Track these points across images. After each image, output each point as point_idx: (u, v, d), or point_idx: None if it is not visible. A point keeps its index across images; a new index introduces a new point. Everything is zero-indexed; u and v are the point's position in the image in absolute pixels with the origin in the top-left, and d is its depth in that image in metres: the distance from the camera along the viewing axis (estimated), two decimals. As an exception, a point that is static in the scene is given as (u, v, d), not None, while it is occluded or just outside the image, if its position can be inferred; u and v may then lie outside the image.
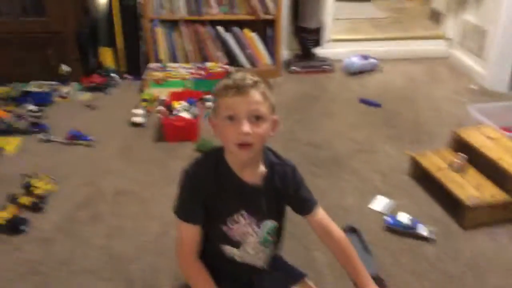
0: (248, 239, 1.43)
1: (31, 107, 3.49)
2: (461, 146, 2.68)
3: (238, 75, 1.30)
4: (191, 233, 1.40)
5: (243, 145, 1.27)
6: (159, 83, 3.99)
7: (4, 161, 2.93)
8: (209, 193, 1.37)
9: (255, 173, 1.40)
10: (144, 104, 3.60)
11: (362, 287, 1.42)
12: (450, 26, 4.64)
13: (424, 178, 2.65)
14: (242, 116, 1.25)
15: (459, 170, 2.52)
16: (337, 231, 1.48)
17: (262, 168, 1.41)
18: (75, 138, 3.11)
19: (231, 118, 1.27)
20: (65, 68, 4.03)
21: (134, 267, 2.10)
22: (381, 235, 2.28)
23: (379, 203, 2.51)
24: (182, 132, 3.12)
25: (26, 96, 3.63)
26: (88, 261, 2.13)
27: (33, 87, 3.85)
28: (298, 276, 1.58)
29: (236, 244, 1.43)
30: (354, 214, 2.44)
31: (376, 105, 3.70)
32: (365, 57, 4.38)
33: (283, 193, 1.44)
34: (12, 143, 3.10)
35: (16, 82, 3.89)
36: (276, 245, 1.54)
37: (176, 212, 1.44)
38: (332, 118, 3.55)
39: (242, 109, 1.25)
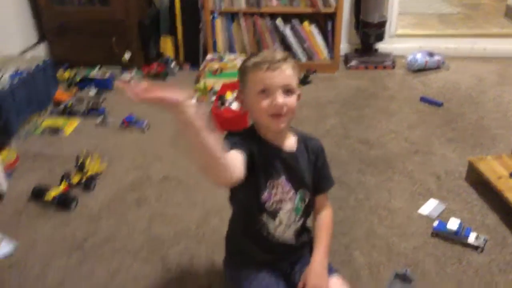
0: (285, 207, 1.47)
1: (92, 92, 3.66)
2: (527, 153, 2.46)
3: (266, 53, 1.38)
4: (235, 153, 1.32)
5: (276, 115, 1.36)
6: (215, 73, 4.03)
7: (61, 141, 3.08)
8: (252, 152, 1.37)
9: (288, 143, 1.49)
10: (197, 94, 3.64)
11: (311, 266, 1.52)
12: (528, 24, 4.30)
13: (482, 185, 2.46)
14: (276, 89, 1.34)
15: (522, 178, 2.31)
16: (328, 212, 1.63)
17: (293, 139, 1.51)
18: (130, 123, 3.21)
19: (264, 91, 1.35)
20: (127, 55, 4.18)
21: (172, 251, 2.13)
22: (427, 240, 2.15)
23: (429, 207, 2.36)
24: (231, 123, 3.12)
25: (88, 81, 3.80)
26: (129, 241, 2.18)
27: (96, 72, 4.03)
28: (329, 271, 1.55)
29: (273, 214, 1.47)
30: (401, 217, 2.32)
31: (437, 103, 3.50)
32: (430, 54, 4.15)
33: (314, 164, 1.52)
34: (70, 125, 3.25)
35: (81, 67, 4.09)
36: (305, 220, 1.58)
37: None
38: (389, 116, 3.40)
39: (276, 82, 1.34)
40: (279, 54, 1.37)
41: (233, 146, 1.33)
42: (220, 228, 1.93)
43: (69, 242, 2.17)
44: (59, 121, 3.29)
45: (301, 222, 1.54)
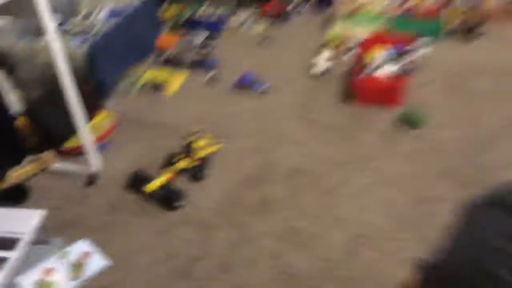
0: None
1: (201, 36, 3.00)
2: None
3: None
4: None
5: None
6: (349, 16, 3.18)
7: (164, 103, 2.50)
8: None
9: None
10: (327, 48, 2.84)
11: None
12: None
13: None
14: None
15: None
16: None
17: None
18: (246, 85, 2.54)
19: None
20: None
21: (310, 294, 1.51)
22: None
23: None
24: (380, 94, 2.33)
25: (195, 22, 3.14)
26: (252, 271, 1.59)
27: (205, 9, 3.36)
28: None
29: None
30: None
31: None
32: None
33: None
34: (175, 80, 2.65)
35: (186, 1, 3.45)
36: None
37: None
38: None
39: None
40: None
41: None
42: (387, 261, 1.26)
43: (173, 263, 1.62)
44: (162, 74, 2.71)
45: None
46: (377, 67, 2.40)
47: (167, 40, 2.93)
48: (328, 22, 3.19)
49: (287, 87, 2.58)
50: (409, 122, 2.21)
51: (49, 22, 1.58)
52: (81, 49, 2.25)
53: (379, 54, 2.51)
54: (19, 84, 2.31)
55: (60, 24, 2.49)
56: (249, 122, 2.32)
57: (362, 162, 2.02)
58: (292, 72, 2.72)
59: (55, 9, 2.50)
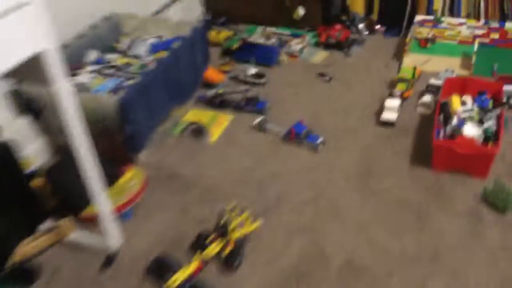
0: None
1: (252, 70, 2.66)
2: None
3: None
4: None
5: None
6: (425, 45, 2.73)
7: (205, 153, 2.18)
8: None
9: None
10: (399, 88, 2.40)
11: None
12: None
13: None
14: None
15: None
16: None
17: None
18: (299, 137, 2.17)
19: None
20: (301, 10, 3.06)
21: None
22: None
23: None
24: (467, 161, 1.87)
25: (248, 50, 2.80)
26: None
27: (258, 35, 3.02)
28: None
29: None
30: None
31: None
32: None
33: None
34: (219, 124, 2.33)
35: (244, 23, 3.14)
36: None
37: None
38: None
39: None
40: None
41: None
42: None
43: None
44: (205, 115, 2.40)
45: None
46: (463, 122, 1.93)
47: (214, 74, 2.61)
48: (398, 50, 2.74)
49: (347, 139, 2.18)
50: (499, 203, 1.75)
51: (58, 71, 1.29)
52: (116, 94, 1.99)
53: (466, 104, 2.04)
54: (46, 130, 2.11)
55: (97, 63, 2.24)
56: (298, 187, 1.95)
57: (438, 260, 1.60)
58: (355, 118, 2.32)
59: (92, 45, 2.29)
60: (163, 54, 2.26)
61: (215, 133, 2.29)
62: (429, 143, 1.96)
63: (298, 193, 1.92)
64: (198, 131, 2.30)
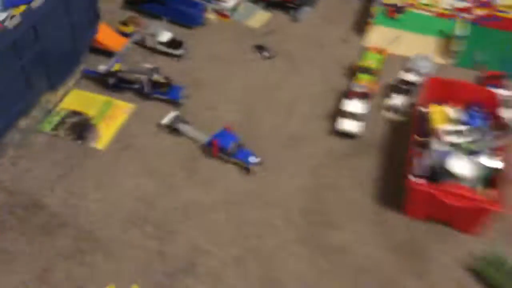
0: None
1: (166, 34, 1.90)
2: None
3: None
4: None
5: None
6: (393, 14, 2.17)
7: (83, 176, 1.48)
8: None
9: None
10: (362, 78, 1.80)
11: None
12: None
13: None
14: None
15: None
16: None
17: None
18: (224, 151, 1.52)
19: None
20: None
21: None
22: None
23: None
24: (449, 211, 1.36)
25: (162, 2, 2.02)
26: None
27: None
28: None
29: None
30: None
31: None
32: None
33: None
34: (113, 119, 1.63)
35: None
36: None
37: None
38: None
39: None
40: None
41: None
42: None
43: None
44: (93, 101, 1.68)
45: None
46: (448, 154, 1.40)
47: (110, 37, 1.84)
48: (362, 22, 2.13)
49: (291, 156, 1.59)
50: (494, 280, 1.29)
51: None
52: None
53: (451, 120, 1.52)
54: None
55: None
56: (219, 235, 1.35)
57: None
58: (302, 118, 1.73)
59: None
60: (19, 10, 1.45)
61: (105, 133, 1.60)
62: (401, 171, 1.43)
63: (219, 245, 1.33)
64: (81, 127, 1.59)
